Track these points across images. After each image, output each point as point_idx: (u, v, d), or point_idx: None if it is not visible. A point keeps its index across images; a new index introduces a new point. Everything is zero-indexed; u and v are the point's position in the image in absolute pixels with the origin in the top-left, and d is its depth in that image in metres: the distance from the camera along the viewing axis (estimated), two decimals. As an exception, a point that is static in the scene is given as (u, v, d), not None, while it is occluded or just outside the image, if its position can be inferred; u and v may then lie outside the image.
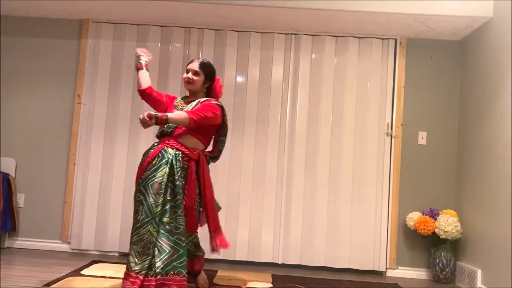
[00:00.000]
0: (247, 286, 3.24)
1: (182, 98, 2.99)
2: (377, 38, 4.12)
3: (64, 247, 4.08)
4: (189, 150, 2.78)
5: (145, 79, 2.92)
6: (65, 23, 4.22)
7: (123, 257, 3.98)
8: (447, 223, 3.67)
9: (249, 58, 4.15)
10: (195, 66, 2.91)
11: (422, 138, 4.06)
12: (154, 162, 2.72)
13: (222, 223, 3.99)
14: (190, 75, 2.91)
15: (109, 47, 4.19)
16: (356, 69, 4.11)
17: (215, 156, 3.01)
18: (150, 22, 4.16)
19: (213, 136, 3.00)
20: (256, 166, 4.06)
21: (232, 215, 4.03)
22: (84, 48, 4.18)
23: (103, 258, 3.91)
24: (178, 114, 2.71)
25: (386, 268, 3.99)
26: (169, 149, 2.75)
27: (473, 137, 3.75)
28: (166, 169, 2.69)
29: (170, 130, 2.82)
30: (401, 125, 4.06)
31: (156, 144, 2.84)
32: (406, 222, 3.91)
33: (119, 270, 3.42)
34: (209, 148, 3.02)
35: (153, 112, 2.61)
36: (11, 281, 2.98)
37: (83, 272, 3.34)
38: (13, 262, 3.58)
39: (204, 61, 2.97)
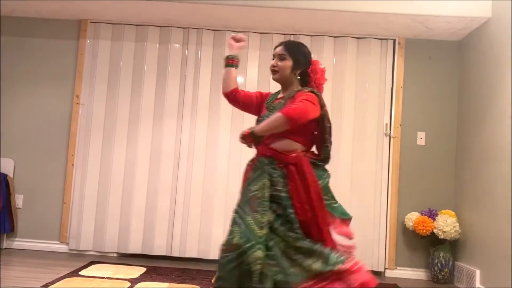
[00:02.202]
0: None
1: (274, 95, 2.45)
2: (375, 38, 4.13)
3: (63, 247, 4.07)
4: (284, 153, 2.25)
5: (229, 80, 2.41)
6: (64, 24, 4.21)
7: (121, 258, 3.98)
8: (446, 223, 3.67)
9: (248, 58, 4.14)
10: (279, 49, 2.36)
11: (421, 138, 4.07)
12: (251, 176, 2.30)
13: (222, 223, 4.00)
14: (274, 61, 2.37)
15: (107, 48, 4.18)
16: (355, 70, 4.11)
17: (322, 159, 2.33)
18: (149, 22, 4.16)
19: (314, 134, 2.36)
20: (254, 166, 4.05)
21: (231, 216, 4.01)
22: (83, 49, 4.18)
23: (101, 258, 3.90)
24: (269, 120, 2.21)
25: (385, 269, 3.99)
26: (263, 159, 2.28)
27: (471, 137, 3.75)
28: (266, 181, 2.20)
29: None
30: (400, 125, 4.06)
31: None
32: (405, 222, 3.91)
33: (117, 271, 3.42)
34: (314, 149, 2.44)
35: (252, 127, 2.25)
36: (10, 282, 2.97)
37: (81, 272, 3.33)
38: (11, 263, 3.57)
39: (292, 41, 2.45)
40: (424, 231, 3.73)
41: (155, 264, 3.76)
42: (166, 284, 3.14)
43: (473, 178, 3.66)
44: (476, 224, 3.57)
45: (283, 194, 2.16)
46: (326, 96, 4.06)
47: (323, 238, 2.14)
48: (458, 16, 3.58)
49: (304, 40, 4.13)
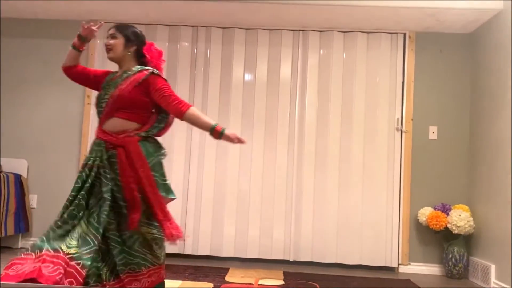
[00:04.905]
0: (259, 283, 3.24)
1: (111, 74, 2.50)
2: (385, 32, 4.09)
3: (77, 247, 4.11)
4: (114, 135, 2.28)
5: (68, 58, 2.51)
6: (73, 24, 4.21)
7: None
8: (460, 218, 3.64)
9: (257, 55, 4.14)
10: (111, 30, 2.47)
11: (433, 132, 4.03)
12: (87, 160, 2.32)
13: (233, 221, 4.01)
14: (106, 40, 2.45)
15: (117, 48, 4.20)
16: (365, 65, 4.09)
17: (155, 135, 2.41)
18: (158, 21, 4.17)
19: (153, 111, 2.43)
20: (266, 163, 4.05)
21: (243, 213, 4.03)
22: (93, 49, 4.20)
23: (115, 257, 3.92)
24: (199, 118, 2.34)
25: (398, 264, 3.96)
26: (97, 141, 2.32)
27: (484, 131, 3.71)
28: (91, 164, 2.27)
29: (100, 116, 2.39)
30: (412, 120, 4.03)
31: None
32: (418, 217, 3.88)
33: (131, 269, 3.44)
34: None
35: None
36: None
37: (95, 271, 3.35)
38: (26, 262, 3.61)
39: (122, 23, 2.57)
40: (438, 226, 3.70)
41: (168, 262, 3.75)
42: (179, 282, 3.15)
43: (487, 172, 3.62)
44: (490, 218, 3.53)
45: (108, 176, 2.22)
46: (336, 91, 4.07)
47: (158, 218, 2.22)
48: (469, 8, 3.54)
49: (313, 36, 4.12)
